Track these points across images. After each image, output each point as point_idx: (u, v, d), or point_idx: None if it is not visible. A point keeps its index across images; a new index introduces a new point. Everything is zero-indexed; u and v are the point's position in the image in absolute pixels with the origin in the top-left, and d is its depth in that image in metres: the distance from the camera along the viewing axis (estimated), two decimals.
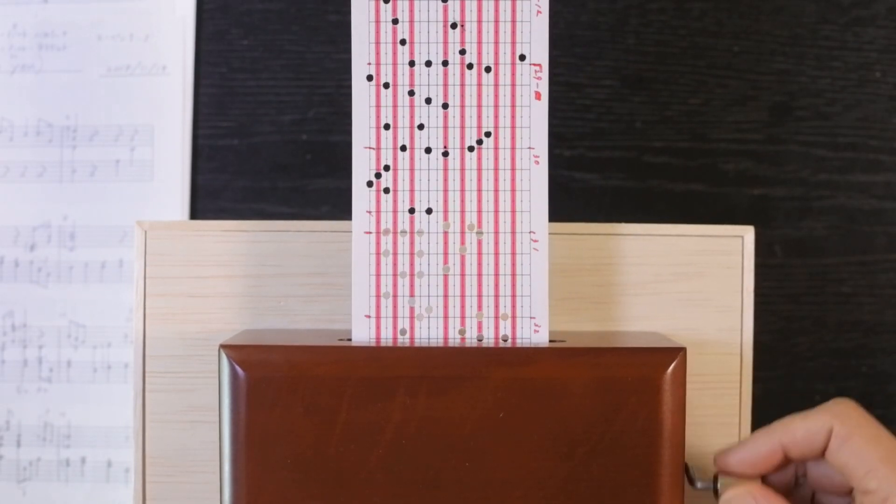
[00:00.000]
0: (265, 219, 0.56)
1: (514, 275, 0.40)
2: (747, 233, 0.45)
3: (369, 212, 0.40)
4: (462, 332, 0.40)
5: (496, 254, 0.40)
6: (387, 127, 0.40)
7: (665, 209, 0.59)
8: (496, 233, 0.40)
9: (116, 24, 0.60)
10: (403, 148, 0.40)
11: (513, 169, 0.40)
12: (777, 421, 0.39)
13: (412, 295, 0.40)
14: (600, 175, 0.59)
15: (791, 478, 0.41)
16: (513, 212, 0.40)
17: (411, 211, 0.40)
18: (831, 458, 0.38)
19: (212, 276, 0.44)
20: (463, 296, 0.40)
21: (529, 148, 0.40)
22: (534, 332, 0.40)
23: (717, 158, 0.59)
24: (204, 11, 0.60)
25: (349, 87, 0.40)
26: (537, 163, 0.40)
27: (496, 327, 0.40)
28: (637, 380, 0.37)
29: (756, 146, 0.59)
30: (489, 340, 0.40)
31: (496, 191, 0.40)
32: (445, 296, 0.40)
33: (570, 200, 0.59)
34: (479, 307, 0.40)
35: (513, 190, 0.40)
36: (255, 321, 0.44)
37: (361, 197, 0.40)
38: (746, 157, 0.59)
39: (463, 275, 0.40)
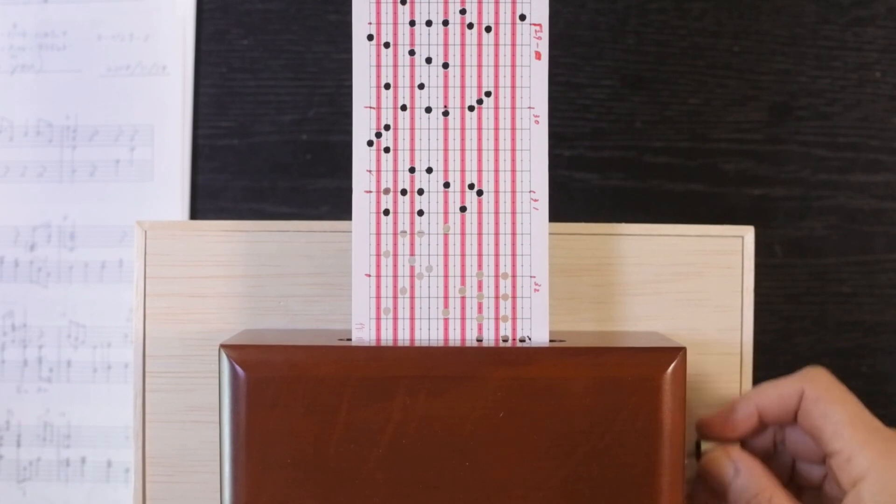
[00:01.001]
0: (265, 219, 0.56)
1: (514, 234, 0.40)
2: (747, 233, 0.45)
3: (369, 171, 0.40)
4: (462, 290, 0.40)
5: (496, 213, 0.40)
6: (387, 87, 0.40)
7: (665, 209, 0.59)
8: (496, 192, 0.40)
9: (116, 24, 0.60)
10: (404, 108, 0.40)
11: (513, 129, 0.40)
12: (753, 388, 0.42)
13: (412, 254, 0.40)
14: (600, 175, 0.59)
15: (769, 443, 0.42)
16: (513, 171, 0.40)
17: (412, 170, 0.40)
18: (802, 421, 0.40)
19: (212, 276, 0.44)
20: (463, 255, 0.40)
21: (529, 108, 0.40)
22: (534, 290, 0.40)
23: (717, 158, 0.59)
24: (204, 11, 0.60)
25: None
26: (537, 122, 0.40)
27: (496, 286, 0.40)
28: (637, 380, 0.37)
29: (756, 146, 0.59)
30: (490, 300, 0.40)
31: (496, 150, 0.40)
32: (445, 255, 0.40)
33: (570, 200, 0.59)
34: (480, 266, 0.40)
35: (513, 149, 0.40)
36: (255, 321, 0.44)
37: (362, 156, 0.40)
38: (746, 157, 0.59)
39: (463, 234, 0.40)
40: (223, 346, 0.37)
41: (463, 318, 0.40)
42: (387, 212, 0.40)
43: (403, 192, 0.40)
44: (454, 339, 0.40)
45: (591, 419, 0.37)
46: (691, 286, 0.44)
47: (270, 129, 0.60)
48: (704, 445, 0.41)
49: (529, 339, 0.40)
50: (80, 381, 0.59)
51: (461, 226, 0.40)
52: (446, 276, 0.40)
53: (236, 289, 0.44)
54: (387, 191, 0.40)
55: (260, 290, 0.44)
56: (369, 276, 0.40)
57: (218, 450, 0.38)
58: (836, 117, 0.59)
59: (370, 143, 0.40)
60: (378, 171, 0.40)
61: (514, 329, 0.40)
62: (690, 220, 0.56)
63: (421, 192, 0.40)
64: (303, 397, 0.37)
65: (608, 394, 0.37)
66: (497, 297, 0.40)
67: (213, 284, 0.44)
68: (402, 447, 0.37)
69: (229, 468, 0.37)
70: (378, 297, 0.40)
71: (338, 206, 0.59)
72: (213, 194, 0.60)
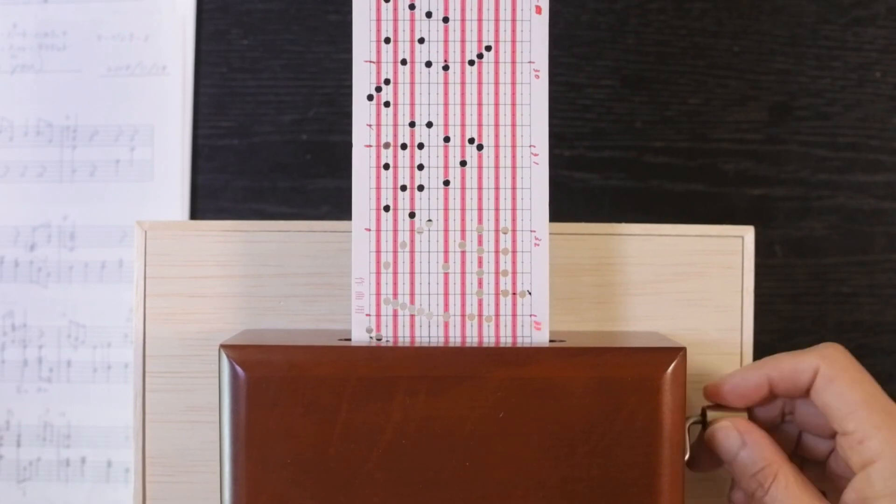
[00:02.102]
0: (265, 219, 0.56)
1: (514, 188, 0.40)
2: (747, 233, 0.45)
3: (370, 125, 0.40)
4: (462, 245, 0.40)
5: (496, 167, 0.40)
6: (387, 41, 0.40)
7: (665, 209, 0.59)
8: (496, 147, 0.40)
9: (116, 24, 0.60)
10: (404, 62, 0.40)
11: (513, 83, 0.40)
12: (766, 357, 0.40)
13: (412, 208, 0.40)
14: (600, 175, 0.59)
15: (777, 415, 0.41)
16: (513, 126, 0.40)
17: (412, 124, 0.40)
18: (815, 398, 0.39)
19: (211, 276, 0.44)
20: (463, 209, 0.40)
21: (530, 62, 0.40)
22: (534, 245, 0.40)
23: (717, 158, 0.59)
24: (204, 11, 0.60)
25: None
26: (538, 77, 0.40)
27: (496, 241, 0.40)
28: (637, 380, 0.37)
29: (756, 146, 0.59)
30: (490, 254, 0.40)
31: (496, 105, 0.40)
32: (446, 209, 0.40)
33: (570, 200, 0.59)
34: (480, 220, 0.40)
35: (513, 104, 0.40)
36: (254, 321, 0.44)
37: (362, 110, 0.40)
38: (746, 157, 0.59)
39: (463, 188, 0.40)
40: (223, 347, 0.37)
41: (463, 273, 0.40)
42: (387, 166, 0.40)
43: (403, 146, 0.40)
44: (454, 293, 0.40)
45: (591, 419, 0.37)
46: (691, 286, 0.44)
47: (270, 129, 0.60)
48: (711, 414, 0.40)
49: (530, 293, 0.40)
50: (80, 381, 0.59)
51: (461, 180, 0.40)
52: (446, 231, 0.40)
53: (236, 289, 0.44)
54: (387, 145, 0.40)
55: (260, 290, 0.44)
56: (369, 230, 0.40)
57: (218, 450, 0.38)
58: (836, 117, 0.59)
59: (370, 98, 0.40)
60: (378, 125, 0.40)
61: (514, 284, 0.40)
62: (690, 220, 0.56)
63: (421, 146, 0.40)
64: (303, 397, 0.37)
65: (608, 394, 0.37)
66: (497, 252, 0.40)
67: (212, 284, 0.44)
68: (402, 447, 0.37)
69: (229, 468, 0.37)
70: (378, 252, 0.40)
71: (338, 206, 0.59)
72: (213, 194, 0.60)
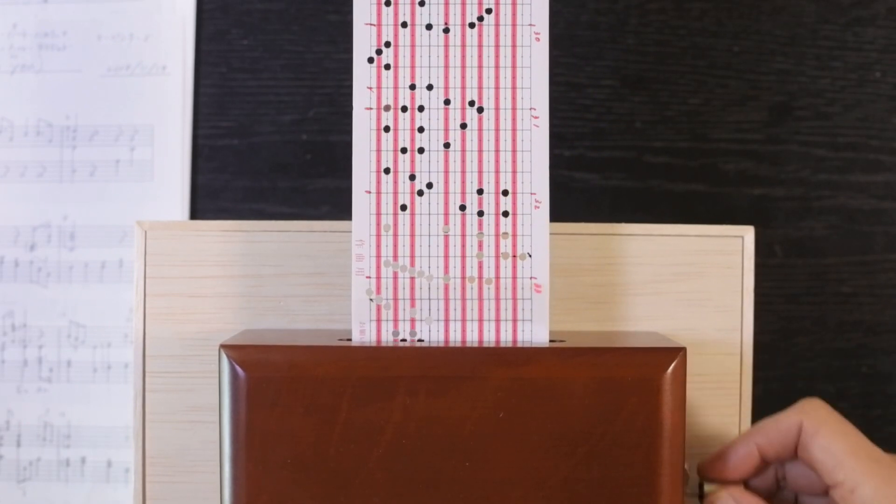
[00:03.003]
0: (265, 219, 0.56)
1: (514, 151, 0.40)
2: (747, 233, 0.45)
3: (370, 88, 0.40)
4: (463, 207, 0.40)
5: (496, 130, 0.40)
6: (387, 3, 0.40)
7: (665, 209, 0.59)
8: (496, 109, 0.40)
9: (116, 24, 0.60)
10: (404, 24, 0.40)
11: (513, 46, 0.40)
12: (751, 426, 0.41)
13: (413, 171, 0.40)
14: (600, 175, 0.59)
15: (772, 481, 0.41)
16: (513, 88, 0.40)
17: (412, 87, 0.40)
18: (802, 455, 0.39)
19: (211, 276, 0.44)
20: (463, 171, 0.40)
21: (530, 25, 0.40)
22: (534, 207, 0.40)
23: (717, 158, 0.59)
24: (204, 11, 0.60)
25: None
26: (538, 40, 0.40)
27: (496, 203, 0.40)
28: (637, 380, 0.37)
29: (756, 146, 0.59)
30: (490, 216, 0.40)
31: (497, 67, 0.40)
32: (446, 171, 0.40)
33: (570, 200, 0.59)
34: (480, 183, 0.40)
35: (513, 67, 0.40)
36: (254, 321, 0.44)
37: (362, 73, 0.40)
38: (746, 157, 0.59)
39: (463, 150, 0.40)
40: (223, 347, 0.37)
41: (463, 235, 0.40)
42: (387, 129, 0.40)
43: (404, 108, 0.40)
44: (454, 255, 0.40)
45: (591, 419, 0.37)
46: (691, 286, 0.44)
47: (270, 129, 0.60)
48: (707, 487, 0.41)
49: (530, 255, 0.40)
50: (80, 381, 0.59)
51: (461, 142, 0.40)
52: (446, 193, 0.40)
53: (236, 289, 0.44)
54: (387, 108, 0.40)
55: (260, 290, 0.44)
56: (369, 192, 0.40)
57: (218, 450, 0.38)
58: (836, 117, 0.59)
59: (370, 61, 0.40)
60: (378, 87, 0.40)
61: (514, 246, 0.40)
62: (690, 220, 0.56)
63: (421, 108, 0.40)
64: (303, 397, 0.37)
65: (608, 394, 0.37)
66: (497, 214, 0.40)
67: (212, 284, 0.44)
68: (402, 447, 0.37)
69: (229, 468, 0.37)
70: (378, 214, 0.40)
71: (338, 205, 0.59)
72: (213, 194, 0.60)
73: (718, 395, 0.44)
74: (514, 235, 0.40)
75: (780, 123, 0.59)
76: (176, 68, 0.60)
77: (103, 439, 0.59)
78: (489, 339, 0.40)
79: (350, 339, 0.40)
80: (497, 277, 0.40)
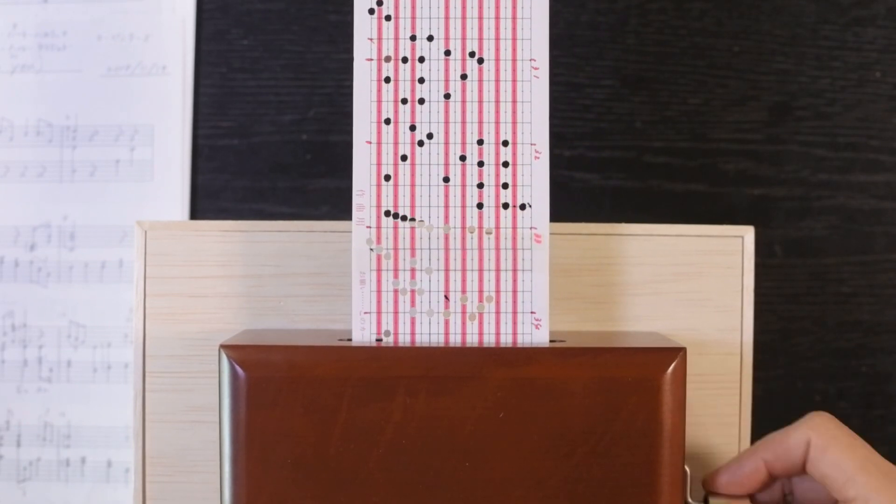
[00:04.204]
0: (265, 219, 0.56)
1: (514, 102, 0.40)
2: (747, 233, 0.45)
3: (371, 39, 0.40)
4: (463, 158, 0.40)
5: (497, 81, 0.40)
6: None
7: (665, 209, 0.59)
8: (497, 60, 0.40)
9: (116, 24, 0.60)
10: None
11: None
12: (758, 441, 0.40)
13: (413, 121, 0.40)
14: (600, 175, 0.59)
15: (779, 496, 0.41)
16: (514, 39, 0.40)
17: (412, 38, 0.40)
18: (811, 470, 0.38)
19: (212, 276, 0.44)
20: (464, 122, 0.40)
21: None
22: (534, 158, 0.40)
23: (717, 158, 0.59)
24: (204, 11, 0.60)
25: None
26: None
27: (497, 154, 0.40)
28: (637, 380, 0.37)
29: (756, 146, 0.59)
30: (490, 166, 0.40)
31: (497, 18, 0.40)
32: (446, 122, 0.40)
33: (570, 200, 0.59)
34: (480, 133, 0.40)
35: (514, 17, 0.40)
36: (255, 321, 0.44)
37: (363, 24, 0.40)
38: (746, 157, 0.59)
39: (464, 101, 0.40)
40: (223, 347, 0.37)
41: (463, 185, 0.40)
42: (388, 79, 0.40)
43: (404, 59, 0.40)
44: (454, 205, 0.40)
45: (591, 419, 0.37)
46: (691, 286, 0.44)
47: (270, 129, 0.60)
48: (713, 501, 0.40)
49: (530, 205, 0.40)
50: (80, 381, 0.59)
51: (462, 93, 0.40)
52: (447, 144, 0.40)
53: (236, 289, 0.44)
54: (388, 59, 0.40)
55: (260, 290, 0.44)
56: (370, 143, 0.40)
57: (218, 450, 0.38)
58: (836, 117, 0.59)
59: (371, 12, 0.40)
60: (379, 38, 0.40)
61: (514, 196, 0.40)
62: (690, 220, 0.56)
63: (422, 59, 0.40)
64: (303, 397, 0.37)
65: (608, 394, 0.37)
66: (497, 165, 0.40)
67: (212, 284, 0.44)
68: (402, 447, 0.37)
69: (229, 468, 0.37)
70: (379, 164, 0.40)
71: (338, 206, 0.59)
72: (213, 194, 0.60)
73: (718, 395, 0.44)
74: (515, 186, 0.40)
75: (780, 123, 0.59)
76: (176, 68, 0.60)
77: (103, 439, 0.59)
78: (489, 288, 0.40)
79: (350, 340, 0.40)
80: (497, 227, 0.40)
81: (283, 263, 0.44)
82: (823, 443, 0.38)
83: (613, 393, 0.37)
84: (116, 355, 0.59)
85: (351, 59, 0.40)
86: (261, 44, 0.60)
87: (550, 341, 0.40)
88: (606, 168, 0.59)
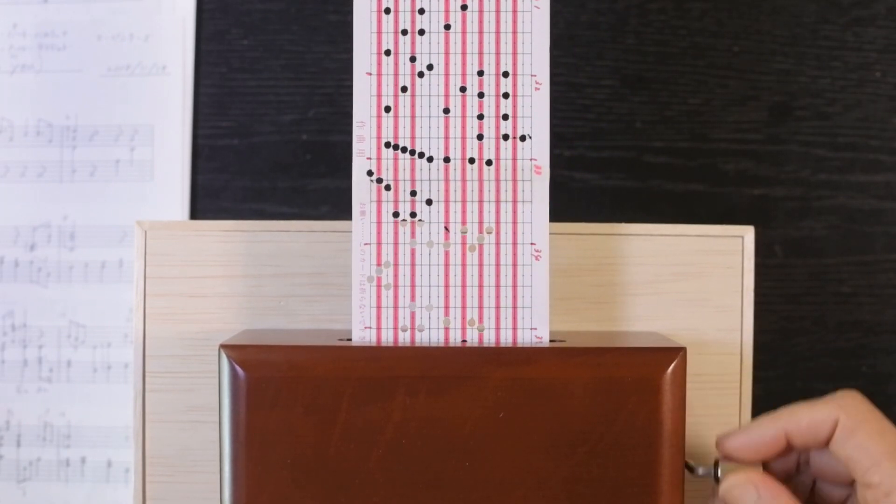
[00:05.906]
0: (265, 219, 0.56)
1: (514, 32, 0.40)
2: (747, 233, 0.45)
3: None
4: (463, 89, 0.40)
5: (497, 11, 0.40)
6: None
7: (665, 209, 0.59)
8: None
9: (116, 24, 0.60)
10: None
11: None
12: (783, 408, 0.39)
13: (413, 52, 0.40)
14: (600, 175, 0.59)
15: (793, 465, 0.40)
16: None
17: None
18: (836, 450, 0.38)
19: (211, 276, 0.44)
20: (464, 53, 0.40)
21: None
22: (535, 89, 0.40)
23: (717, 158, 0.59)
24: (204, 11, 0.60)
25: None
26: None
27: (497, 84, 0.40)
28: (637, 380, 0.37)
29: (756, 146, 0.59)
30: (491, 98, 0.40)
31: None
32: (447, 53, 0.40)
33: (570, 200, 0.59)
34: (481, 64, 0.40)
35: None
36: (255, 321, 0.44)
37: None
38: (746, 157, 0.59)
39: (464, 32, 0.40)
40: (223, 347, 0.37)
41: (464, 116, 0.40)
42: (388, 10, 0.40)
43: None
44: (455, 136, 0.40)
45: (591, 419, 0.37)
46: (691, 286, 0.44)
47: (270, 129, 0.60)
48: (723, 465, 0.39)
49: (530, 137, 0.40)
50: (80, 381, 0.59)
51: (462, 24, 0.40)
52: (447, 75, 0.40)
53: (236, 289, 0.44)
54: None
55: (260, 290, 0.44)
56: (370, 74, 0.40)
57: (218, 450, 0.38)
58: (836, 117, 0.59)
59: None
60: None
61: (514, 127, 0.40)
62: (690, 220, 0.56)
63: None
64: (303, 397, 0.37)
65: (608, 394, 0.37)
66: (498, 96, 0.40)
67: (212, 284, 0.44)
68: (402, 447, 0.37)
69: (229, 468, 0.37)
70: (379, 96, 0.40)
71: (338, 205, 0.59)
72: (213, 194, 0.60)
73: (718, 395, 0.44)
74: (515, 117, 0.40)
75: (780, 123, 0.59)
76: (176, 68, 0.60)
77: (103, 439, 0.59)
78: (489, 220, 0.40)
79: (350, 340, 0.40)
80: (497, 159, 0.40)
81: (283, 263, 0.44)
82: (853, 424, 0.37)
83: (613, 393, 0.37)
84: (116, 355, 0.59)
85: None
86: (261, 44, 0.60)
87: (550, 341, 0.40)
88: (606, 168, 0.59)
